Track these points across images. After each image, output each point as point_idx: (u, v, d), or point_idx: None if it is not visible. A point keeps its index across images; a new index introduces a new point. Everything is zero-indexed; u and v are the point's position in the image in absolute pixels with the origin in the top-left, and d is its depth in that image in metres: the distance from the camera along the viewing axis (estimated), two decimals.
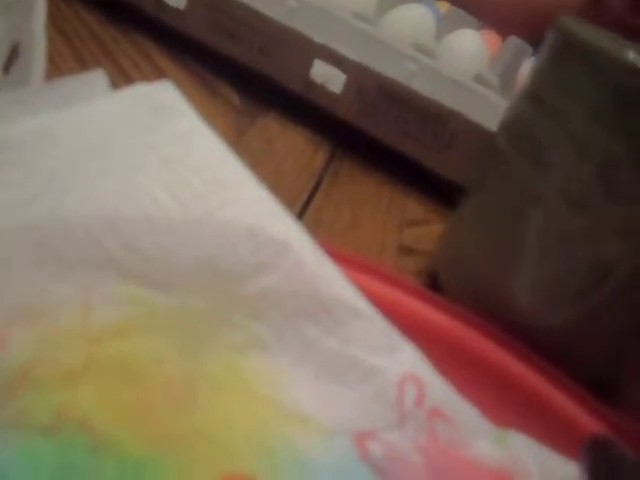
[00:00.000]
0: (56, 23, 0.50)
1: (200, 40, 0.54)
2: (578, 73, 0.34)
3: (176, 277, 0.27)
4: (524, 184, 0.36)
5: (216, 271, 0.27)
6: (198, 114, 0.30)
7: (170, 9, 0.53)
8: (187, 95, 0.30)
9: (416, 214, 0.50)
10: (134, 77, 0.49)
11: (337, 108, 0.52)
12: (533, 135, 0.36)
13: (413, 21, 0.58)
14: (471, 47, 0.58)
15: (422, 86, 0.50)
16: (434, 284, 0.42)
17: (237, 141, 0.48)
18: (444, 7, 0.67)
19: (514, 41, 0.61)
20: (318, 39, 0.50)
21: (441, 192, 0.52)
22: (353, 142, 0.53)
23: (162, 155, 0.28)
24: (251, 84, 0.54)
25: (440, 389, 0.30)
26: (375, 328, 0.29)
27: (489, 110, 0.50)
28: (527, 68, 0.59)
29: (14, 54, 0.36)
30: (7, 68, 0.35)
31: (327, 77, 0.52)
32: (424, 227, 0.49)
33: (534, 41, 0.60)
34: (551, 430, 0.31)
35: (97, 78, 0.30)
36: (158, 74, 0.51)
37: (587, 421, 0.32)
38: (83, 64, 0.48)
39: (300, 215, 0.44)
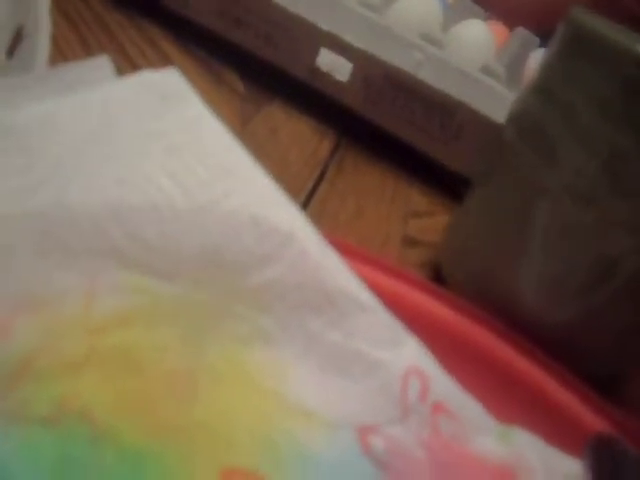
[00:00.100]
0: (61, 7, 0.50)
1: (206, 26, 0.53)
2: (588, 66, 0.33)
3: (180, 266, 0.27)
4: (531, 177, 0.36)
5: (221, 261, 0.27)
6: (203, 101, 0.30)
7: None
8: (192, 82, 0.30)
9: (420, 205, 0.50)
10: (139, 63, 0.49)
11: (343, 97, 0.52)
12: (541, 128, 0.35)
13: (420, 10, 0.58)
14: (478, 38, 0.58)
15: (429, 76, 0.50)
16: (438, 276, 0.42)
17: (242, 129, 0.48)
18: None
19: (521, 32, 0.61)
20: (325, 27, 0.50)
21: (446, 183, 0.52)
22: (358, 131, 0.53)
23: (167, 143, 0.28)
24: (256, 72, 0.53)
25: (444, 384, 0.30)
26: (379, 321, 0.29)
27: (495, 101, 0.50)
28: (534, 60, 0.59)
29: (18, 37, 0.36)
30: (11, 52, 0.35)
31: (333, 65, 0.52)
32: (428, 218, 0.49)
33: (541, 33, 0.60)
34: (555, 427, 0.31)
35: (102, 64, 0.30)
36: (163, 60, 0.50)
37: (591, 419, 0.32)
38: (88, 49, 0.48)
39: (304, 205, 0.44)
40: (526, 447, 0.29)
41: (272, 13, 0.51)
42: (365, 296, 0.29)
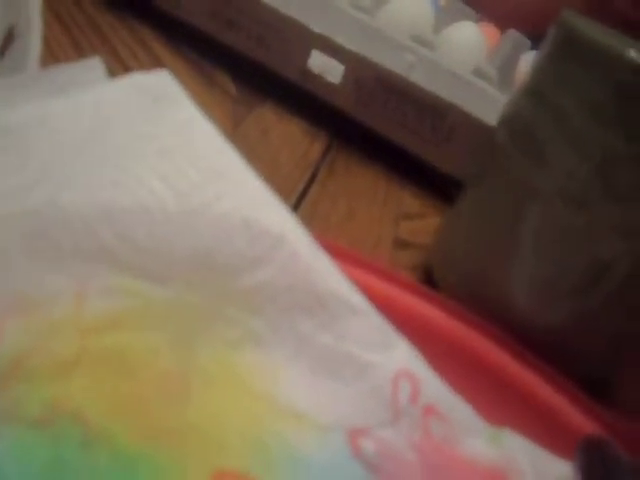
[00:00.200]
0: (52, 7, 0.50)
1: (198, 28, 0.53)
2: (579, 70, 0.34)
3: (172, 269, 0.27)
4: (523, 180, 0.36)
5: (212, 264, 0.27)
6: (195, 103, 0.30)
7: None
8: (184, 83, 0.30)
9: (412, 207, 0.50)
10: (131, 65, 0.49)
11: (334, 99, 0.52)
12: (533, 131, 0.36)
13: (412, 12, 0.58)
14: (470, 40, 0.58)
15: (420, 78, 0.50)
16: (429, 279, 0.42)
17: (233, 131, 0.48)
18: None
19: (513, 34, 0.61)
20: (316, 29, 0.50)
21: (438, 186, 0.52)
22: (350, 133, 0.53)
23: (159, 145, 0.28)
24: (248, 73, 0.53)
25: (435, 386, 0.30)
26: (370, 324, 0.29)
27: (487, 104, 0.50)
28: (525, 62, 0.59)
29: (10, 38, 0.36)
30: (2, 52, 0.35)
31: (325, 67, 0.52)
32: (420, 221, 0.49)
33: (532, 35, 0.60)
34: (546, 430, 0.31)
35: (94, 65, 0.30)
36: (155, 62, 0.50)
37: (582, 421, 0.32)
38: (79, 50, 0.48)
39: (295, 206, 0.44)
40: (517, 449, 0.29)
41: (264, 15, 0.51)
42: (356, 299, 0.29)
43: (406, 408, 0.28)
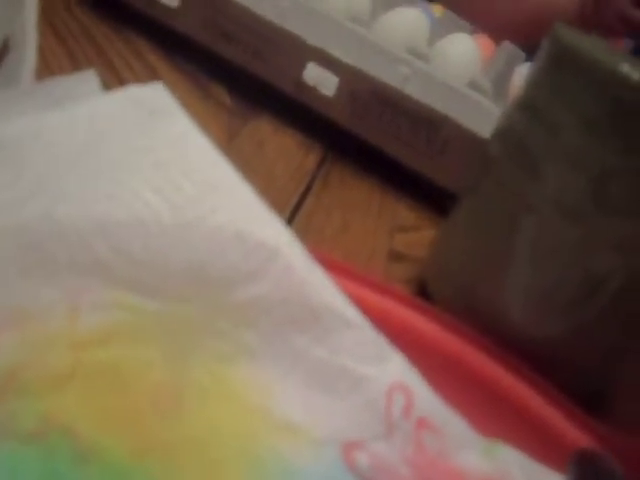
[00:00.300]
0: (48, 18, 0.50)
1: (193, 40, 0.53)
2: (572, 84, 0.34)
3: (166, 282, 0.27)
4: (517, 193, 0.36)
5: (206, 277, 0.27)
6: (190, 116, 0.30)
7: (163, 7, 0.53)
8: (179, 95, 0.30)
9: (407, 220, 0.50)
10: (126, 76, 0.49)
11: (329, 111, 0.52)
12: (527, 145, 0.36)
13: (407, 24, 0.58)
14: (465, 52, 0.58)
15: (415, 90, 0.50)
16: (423, 292, 0.42)
17: (228, 143, 0.48)
18: (438, 11, 0.67)
19: (507, 46, 0.61)
20: (311, 41, 0.50)
21: (432, 198, 0.52)
22: (345, 146, 0.53)
23: (154, 158, 0.28)
24: (244, 85, 0.53)
25: (428, 399, 0.30)
26: (364, 337, 0.29)
27: (482, 116, 0.50)
28: (520, 74, 0.59)
29: (4, 49, 0.36)
30: None
31: (320, 80, 0.52)
32: (415, 233, 0.49)
33: (527, 46, 0.60)
34: (540, 443, 0.31)
35: (89, 78, 0.30)
36: (150, 74, 0.50)
37: (576, 434, 0.32)
38: (74, 61, 0.48)
39: (290, 219, 0.44)
40: (511, 463, 0.29)
41: (259, 27, 0.51)
42: (350, 312, 0.29)
43: (399, 421, 0.28)
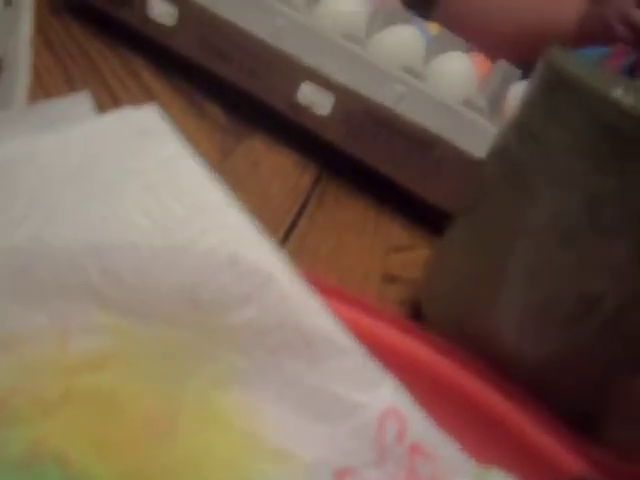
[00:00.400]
0: (44, 36, 0.50)
1: (188, 58, 0.53)
2: (566, 107, 0.34)
3: (157, 306, 0.27)
4: (512, 213, 0.36)
5: (198, 300, 0.27)
6: (184, 134, 0.30)
7: (159, 25, 0.53)
8: (173, 114, 0.30)
9: (401, 240, 0.50)
10: (120, 95, 0.49)
11: (324, 131, 0.52)
12: (522, 165, 0.35)
13: (403, 43, 0.58)
14: (460, 70, 0.58)
15: (410, 109, 0.50)
16: (417, 313, 0.42)
17: (222, 162, 0.48)
18: (434, 29, 0.67)
19: (503, 65, 0.61)
20: (306, 61, 0.50)
21: (427, 218, 0.51)
22: (340, 165, 0.53)
23: (145, 181, 0.28)
24: (238, 104, 0.53)
25: (421, 424, 0.29)
26: (357, 363, 0.29)
27: (477, 134, 0.50)
28: (515, 92, 0.59)
29: None
30: None
31: (314, 99, 0.52)
32: (409, 253, 0.49)
33: (523, 64, 0.60)
34: (534, 468, 0.31)
35: (83, 100, 0.30)
36: (145, 92, 0.50)
37: (570, 459, 0.32)
38: (68, 78, 0.48)
39: (285, 238, 0.44)
40: None
41: (253, 46, 0.51)
42: (343, 338, 0.29)
43: (392, 447, 0.28)
